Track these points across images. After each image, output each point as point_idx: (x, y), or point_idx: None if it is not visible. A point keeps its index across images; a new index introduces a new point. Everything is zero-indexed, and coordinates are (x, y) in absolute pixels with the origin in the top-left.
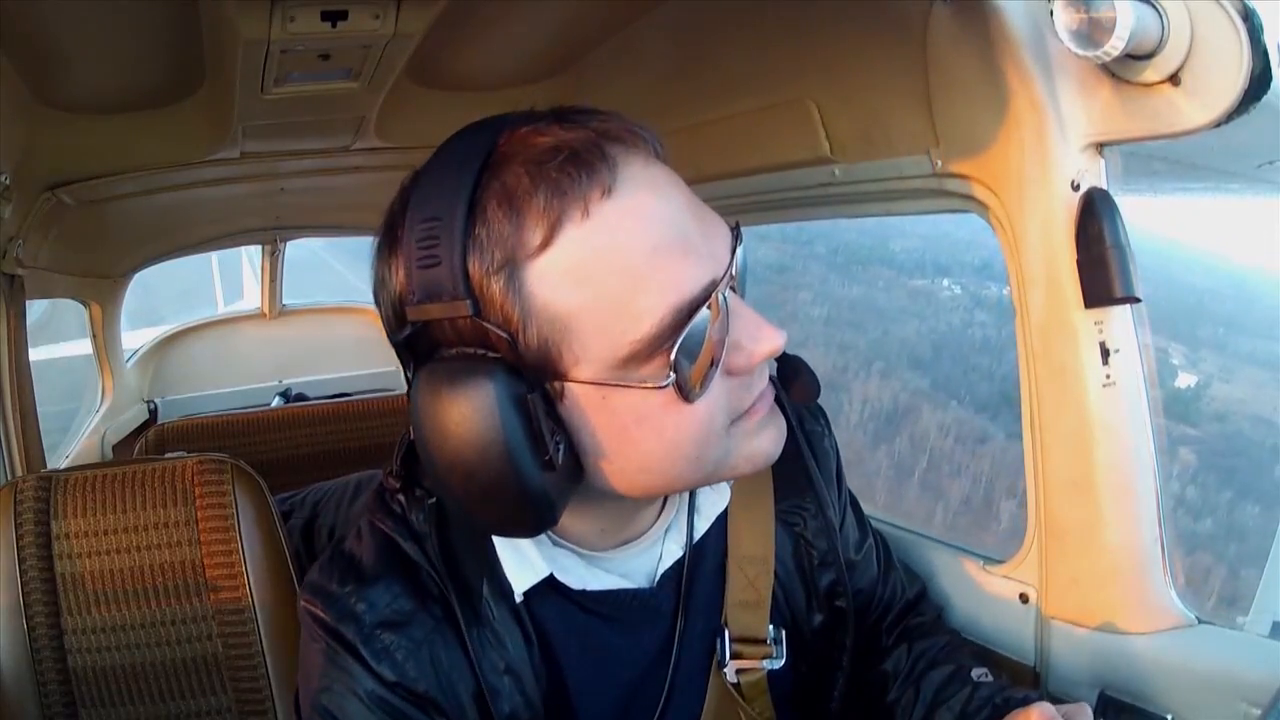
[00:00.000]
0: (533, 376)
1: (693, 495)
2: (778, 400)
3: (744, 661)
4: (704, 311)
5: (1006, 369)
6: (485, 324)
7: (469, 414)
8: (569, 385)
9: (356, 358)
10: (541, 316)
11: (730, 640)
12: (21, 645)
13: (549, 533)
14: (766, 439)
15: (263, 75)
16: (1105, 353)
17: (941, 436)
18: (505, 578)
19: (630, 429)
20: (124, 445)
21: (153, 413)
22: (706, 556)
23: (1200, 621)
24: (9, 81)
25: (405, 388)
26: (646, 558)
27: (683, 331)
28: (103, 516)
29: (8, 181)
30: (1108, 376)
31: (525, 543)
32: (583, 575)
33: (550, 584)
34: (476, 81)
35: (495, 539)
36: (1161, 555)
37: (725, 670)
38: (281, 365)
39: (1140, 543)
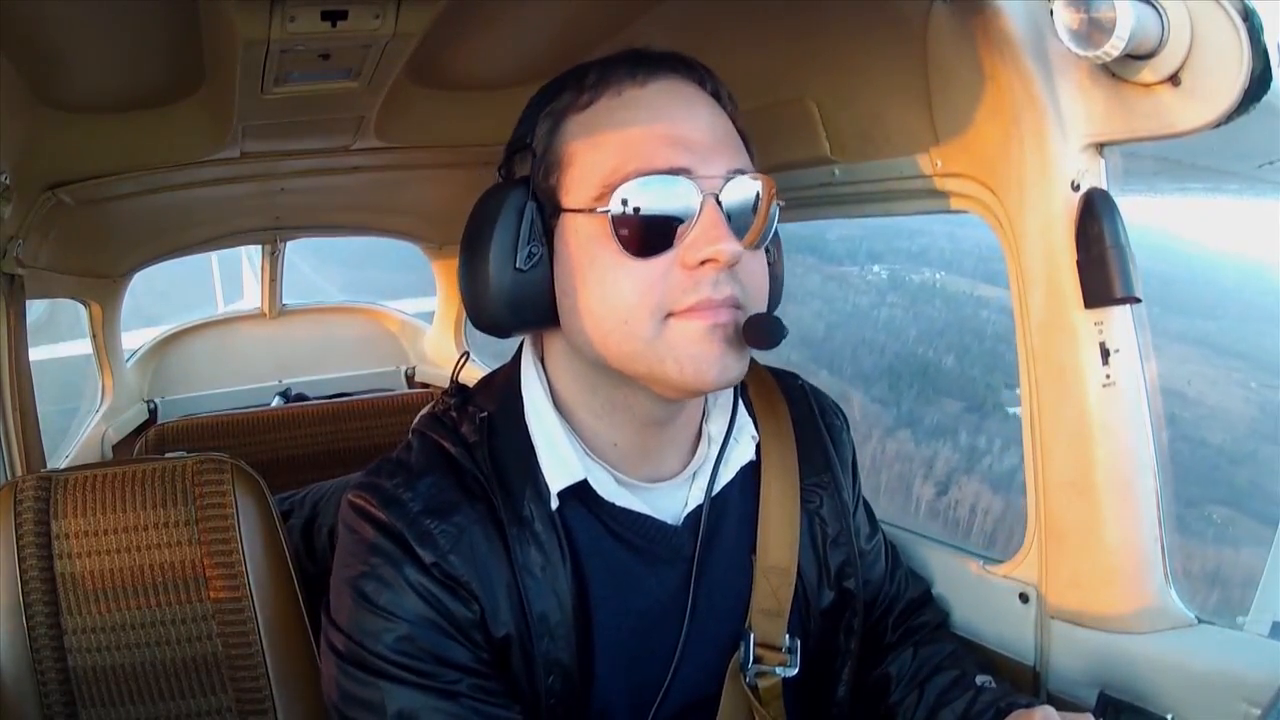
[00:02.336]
0: (541, 200)
1: (722, 449)
2: (801, 383)
3: (762, 666)
4: (670, 181)
5: (901, 345)
6: (527, 150)
7: (486, 210)
8: (563, 215)
9: (356, 358)
10: (557, 153)
11: (754, 644)
12: (21, 645)
13: (583, 446)
14: (703, 355)
15: (263, 75)
16: (1105, 353)
17: None
18: (545, 483)
19: (585, 268)
20: (124, 445)
21: (153, 412)
22: (729, 513)
23: (1200, 621)
24: (9, 81)
25: (405, 387)
26: (673, 499)
27: (640, 180)
28: (103, 516)
29: (8, 181)
30: (1108, 377)
31: (564, 446)
32: (613, 490)
33: (582, 501)
34: (476, 81)
35: (536, 443)
36: (1161, 555)
37: (745, 673)
38: (281, 365)
39: (1140, 543)
